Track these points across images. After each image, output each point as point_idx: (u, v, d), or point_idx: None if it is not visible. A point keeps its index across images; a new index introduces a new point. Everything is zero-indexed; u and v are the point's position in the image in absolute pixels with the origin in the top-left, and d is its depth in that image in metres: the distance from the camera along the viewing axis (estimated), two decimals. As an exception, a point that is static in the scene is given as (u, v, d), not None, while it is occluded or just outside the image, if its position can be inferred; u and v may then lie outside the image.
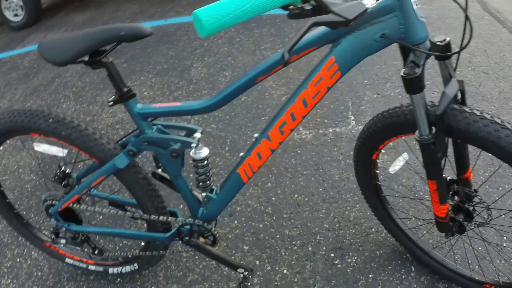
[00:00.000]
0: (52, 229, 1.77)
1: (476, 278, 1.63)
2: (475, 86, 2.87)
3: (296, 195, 2.22)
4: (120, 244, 2.13)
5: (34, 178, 2.69)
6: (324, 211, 2.11)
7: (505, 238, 1.84)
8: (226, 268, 1.91)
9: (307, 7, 0.90)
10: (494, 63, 3.10)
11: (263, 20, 4.29)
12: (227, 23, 0.85)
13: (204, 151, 1.41)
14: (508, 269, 1.73)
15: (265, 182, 2.32)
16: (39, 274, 2.07)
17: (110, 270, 1.94)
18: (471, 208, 1.49)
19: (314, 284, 1.81)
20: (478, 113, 1.20)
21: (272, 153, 1.35)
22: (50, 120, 1.50)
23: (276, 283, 1.83)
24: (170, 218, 1.61)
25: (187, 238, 1.63)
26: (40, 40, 4.84)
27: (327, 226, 2.03)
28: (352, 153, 2.41)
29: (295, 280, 1.83)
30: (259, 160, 1.37)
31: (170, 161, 1.44)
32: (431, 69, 3.05)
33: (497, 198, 1.99)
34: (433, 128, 1.25)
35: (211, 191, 1.53)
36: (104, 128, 3.03)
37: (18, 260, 2.17)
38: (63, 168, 1.68)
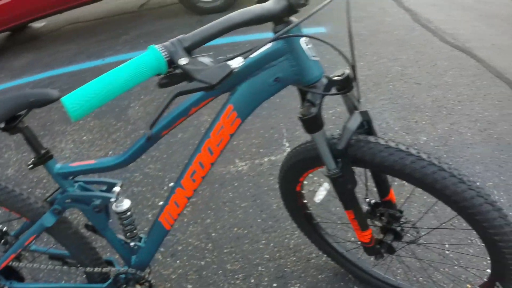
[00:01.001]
0: None
1: (419, 291, 1.64)
2: (408, 98, 2.96)
3: (235, 229, 2.24)
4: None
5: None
6: (264, 241, 2.13)
7: (447, 245, 1.91)
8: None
9: (176, 74, 0.92)
10: (426, 73, 3.21)
11: (202, 50, 4.27)
12: (92, 106, 0.86)
13: (125, 203, 1.44)
14: (449, 278, 1.79)
15: (204, 218, 2.33)
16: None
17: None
18: (398, 228, 1.51)
19: (259, 316, 1.82)
20: (383, 142, 1.23)
21: (188, 200, 1.38)
22: None
23: (221, 320, 1.84)
24: (104, 269, 1.62)
25: (124, 286, 1.65)
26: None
27: (267, 256, 2.06)
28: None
29: (240, 314, 1.84)
30: (177, 208, 1.39)
31: (95, 216, 1.46)
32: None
33: (421, 216, 2.06)
34: (339, 161, 1.27)
35: (140, 239, 1.55)
36: (46, 177, 2.98)
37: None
38: None
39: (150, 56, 0.89)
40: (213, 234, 2.23)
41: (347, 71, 1.18)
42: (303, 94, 1.21)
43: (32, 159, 1.41)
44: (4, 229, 1.67)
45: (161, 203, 1.40)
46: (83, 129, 3.45)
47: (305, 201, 1.73)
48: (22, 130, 1.37)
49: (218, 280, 1.99)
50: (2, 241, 1.66)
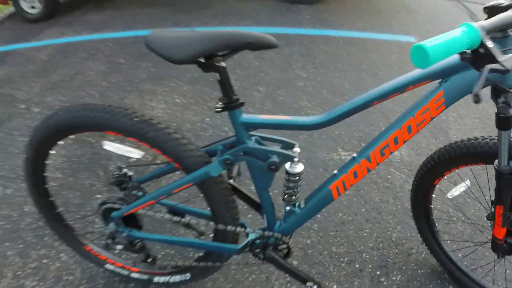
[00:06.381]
0: (108, 233, 1.72)
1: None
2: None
3: (340, 214, 2.33)
4: (162, 252, 2.13)
5: (86, 175, 2.65)
6: (368, 230, 2.22)
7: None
8: (276, 282, 1.97)
9: (479, 52, 1.03)
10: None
11: (292, 39, 4.37)
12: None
13: (300, 167, 1.46)
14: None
15: (310, 200, 2.39)
16: (70, 278, 2.01)
17: (156, 279, 1.90)
18: None
19: (363, 300, 1.91)
20: None
21: (368, 172, 1.45)
22: (136, 119, 1.42)
23: (326, 299, 1.93)
24: (248, 230, 1.64)
25: (259, 250, 1.69)
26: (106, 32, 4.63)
27: (371, 245, 2.15)
28: (389, 177, 2.56)
29: (345, 295, 1.93)
30: (354, 179, 1.46)
31: (265, 174, 1.48)
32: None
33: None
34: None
35: (294, 205, 1.60)
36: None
37: (44, 261, 2.11)
38: (124, 170, 1.68)
39: (469, 32, 0.98)
40: (319, 216, 2.32)
41: None
42: (496, 95, 1.25)
43: (220, 103, 1.39)
44: (130, 173, 1.67)
45: (335, 171, 1.42)
46: (175, 91, 3.49)
47: (433, 195, 1.80)
48: (220, 70, 1.32)
49: (324, 260, 2.08)
50: (123, 185, 1.68)
